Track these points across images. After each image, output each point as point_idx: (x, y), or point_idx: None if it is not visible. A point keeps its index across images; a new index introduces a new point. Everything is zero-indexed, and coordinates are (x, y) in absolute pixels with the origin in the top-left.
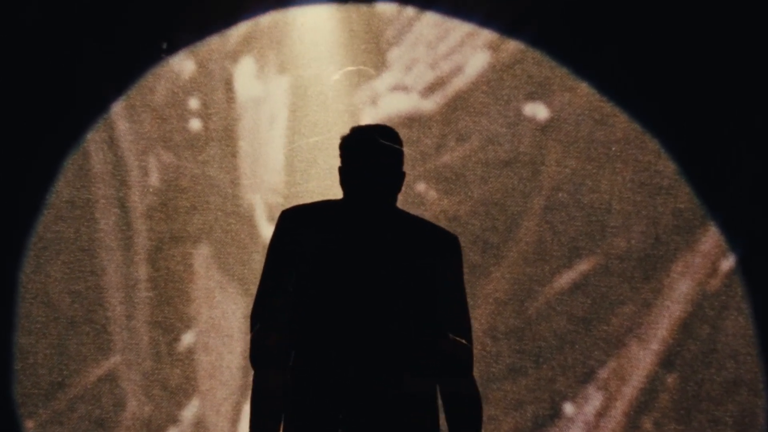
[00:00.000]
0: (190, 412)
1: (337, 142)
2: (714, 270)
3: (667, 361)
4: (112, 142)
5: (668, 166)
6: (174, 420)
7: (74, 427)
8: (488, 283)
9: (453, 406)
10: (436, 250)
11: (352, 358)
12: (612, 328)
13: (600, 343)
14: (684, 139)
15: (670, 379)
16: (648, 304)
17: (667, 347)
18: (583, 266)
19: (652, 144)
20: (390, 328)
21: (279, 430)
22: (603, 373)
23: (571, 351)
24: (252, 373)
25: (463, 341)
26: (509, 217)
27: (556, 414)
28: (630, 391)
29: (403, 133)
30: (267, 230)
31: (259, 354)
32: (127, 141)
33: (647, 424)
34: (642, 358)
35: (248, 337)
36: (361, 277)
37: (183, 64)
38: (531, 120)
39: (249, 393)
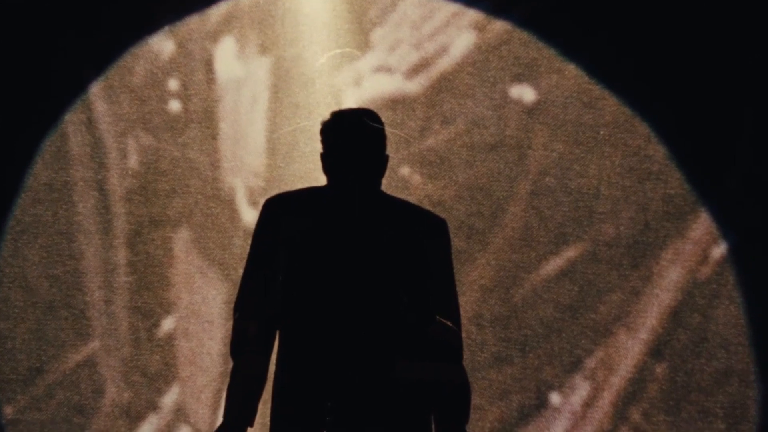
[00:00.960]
0: (170, 398)
1: (319, 123)
2: (705, 257)
3: (656, 350)
4: (90, 124)
5: (658, 151)
6: (154, 407)
7: (53, 414)
8: (473, 270)
9: (442, 393)
10: (423, 234)
11: (342, 345)
12: (600, 316)
13: (587, 332)
14: (675, 124)
15: (659, 369)
16: (637, 292)
17: (656, 336)
18: (570, 253)
19: (642, 128)
20: (380, 314)
21: (254, 417)
22: (590, 363)
23: (558, 339)
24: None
25: (453, 326)
26: (495, 202)
27: (542, 404)
28: (618, 381)
29: (386, 116)
30: (248, 214)
31: (240, 344)
32: (105, 122)
33: (635, 414)
34: (630, 348)
35: (229, 325)
36: (350, 263)
37: (162, 44)
38: (517, 102)
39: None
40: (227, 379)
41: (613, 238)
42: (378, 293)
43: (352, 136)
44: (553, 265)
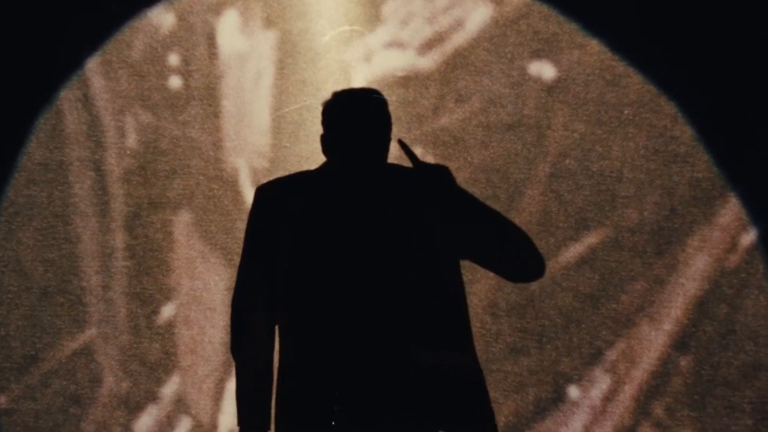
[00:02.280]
0: (170, 389)
1: (321, 118)
2: (733, 245)
3: (680, 342)
4: (86, 101)
5: (685, 132)
6: (153, 397)
7: (48, 403)
8: None
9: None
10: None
11: (351, 332)
12: (621, 306)
13: (608, 323)
14: (703, 103)
15: (684, 362)
16: (661, 280)
17: (681, 328)
18: (591, 239)
19: (669, 107)
20: (389, 298)
21: (269, 419)
22: (611, 355)
23: (577, 330)
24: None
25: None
26: (512, 185)
27: (559, 398)
28: (640, 374)
29: (398, 93)
30: (251, 196)
31: (241, 340)
32: (102, 100)
33: (658, 409)
34: (653, 339)
35: (229, 320)
36: (356, 246)
37: (162, 17)
38: (536, 80)
39: (232, 370)
40: (230, 369)
41: (637, 224)
42: (387, 276)
43: (357, 115)
44: (573, 252)
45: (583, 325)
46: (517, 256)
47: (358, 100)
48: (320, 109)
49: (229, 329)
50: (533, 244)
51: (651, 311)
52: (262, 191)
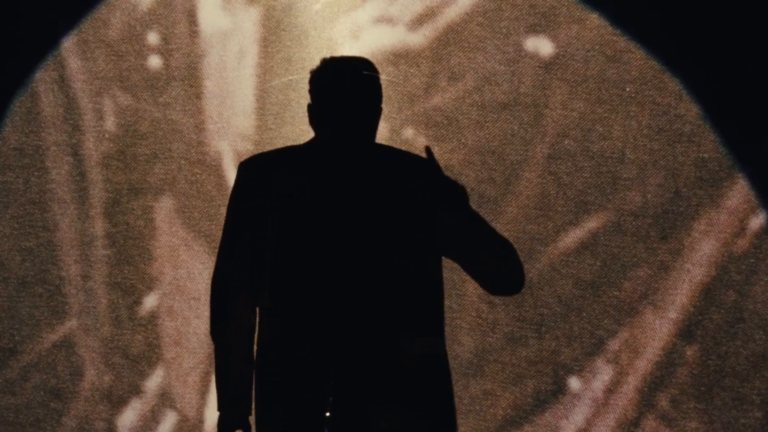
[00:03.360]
0: (153, 382)
1: (309, 86)
2: (741, 229)
3: (686, 331)
4: (63, 82)
5: (691, 110)
6: (137, 391)
7: (29, 398)
8: None
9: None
10: (424, 187)
11: (339, 317)
12: (624, 293)
13: (610, 311)
14: (709, 79)
15: (690, 352)
16: (665, 266)
17: (687, 316)
18: (591, 223)
19: (673, 84)
20: (378, 282)
21: (251, 404)
22: (613, 345)
23: (578, 319)
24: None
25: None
26: (508, 167)
27: (560, 389)
28: (644, 364)
29: (388, 71)
30: None
31: (221, 322)
32: (79, 81)
33: (663, 401)
34: (658, 328)
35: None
36: (343, 226)
37: None
38: (533, 56)
39: None
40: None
41: (640, 208)
42: (376, 259)
43: (344, 85)
44: (573, 237)
45: (584, 314)
46: (498, 272)
47: (347, 71)
48: (306, 87)
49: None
50: (519, 265)
51: (655, 299)
52: (245, 167)
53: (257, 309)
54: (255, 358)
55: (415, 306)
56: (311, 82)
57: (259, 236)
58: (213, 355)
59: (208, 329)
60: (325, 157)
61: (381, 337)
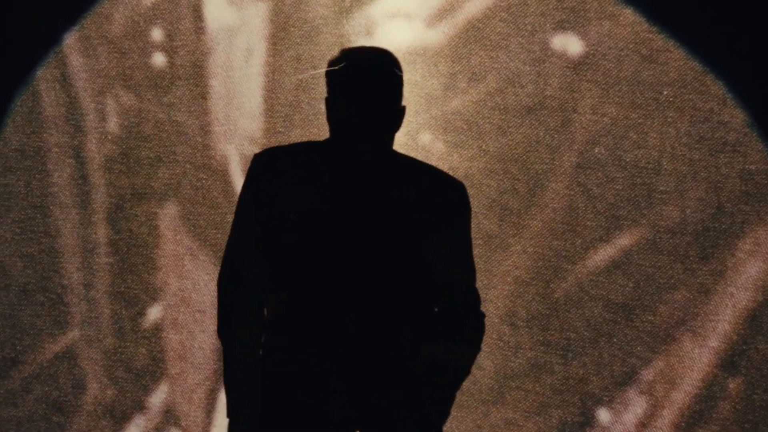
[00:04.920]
0: (158, 398)
1: (325, 79)
2: None
3: (729, 361)
4: (65, 81)
5: (736, 116)
6: (140, 406)
7: (30, 410)
8: (506, 259)
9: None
10: (437, 202)
11: (347, 324)
12: (659, 318)
13: (644, 337)
14: (757, 82)
15: (733, 385)
16: (706, 290)
17: (730, 345)
18: (624, 240)
19: (716, 88)
20: (389, 293)
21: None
22: (647, 374)
23: (608, 345)
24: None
25: (473, 311)
26: (532, 177)
27: (587, 421)
28: (681, 397)
29: (403, 71)
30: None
31: (230, 319)
32: (81, 79)
33: None
34: (697, 358)
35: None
36: (354, 234)
37: None
38: (561, 56)
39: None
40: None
41: (678, 224)
42: (387, 269)
43: (363, 80)
44: (603, 255)
45: (615, 340)
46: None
47: (367, 63)
48: (317, 88)
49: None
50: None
51: (694, 325)
52: (258, 160)
53: (265, 309)
54: (261, 359)
55: (424, 313)
56: (328, 74)
57: (269, 233)
58: (220, 372)
59: (215, 345)
60: (340, 158)
61: (388, 341)
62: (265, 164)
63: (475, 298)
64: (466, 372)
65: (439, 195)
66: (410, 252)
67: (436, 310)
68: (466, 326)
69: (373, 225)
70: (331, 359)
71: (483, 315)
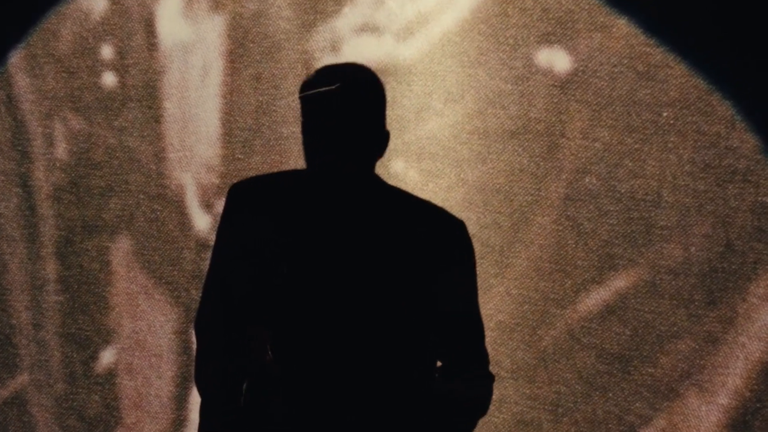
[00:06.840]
0: None
1: (288, 100)
2: None
3: (741, 421)
4: (10, 103)
5: (746, 142)
6: None
7: None
8: (488, 302)
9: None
10: (436, 242)
11: (334, 365)
12: (661, 371)
13: (643, 392)
14: None
15: None
16: (714, 339)
17: (742, 402)
18: (619, 282)
19: (723, 109)
20: (378, 334)
21: None
22: None
23: (602, 400)
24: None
25: (480, 374)
26: (516, 209)
27: None
28: None
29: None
30: (200, 220)
31: (209, 370)
32: (28, 101)
33: None
34: (704, 416)
35: (181, 360)
36: (338, 273)
37: (93, 0)
38: (547, 73)
39: (183, 430)
40: (181, 428)
41: (681, 264)
42: (375, 312)
43: (339, 103)
44: (596, 298)
45: (610, 394)
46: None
47: (343, 84)
48: (278, 110)
49: (178, 381)
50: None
51: (700, 379)
52: (236, 191)
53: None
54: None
55: (413, 357)
56: (301, 97)
57: (249, 268)
58: (178, 422)
59: (172, 392)
60: (318, 192)
61: (383, 404)
62: (244, 196)
63: (483, 361)
64: None
65: (437, 234)
66: (408, 302)
67: (438, 374)
68: (473, 398)
69: (365, 266)
70: (321, 416)
71: (492, 378)
